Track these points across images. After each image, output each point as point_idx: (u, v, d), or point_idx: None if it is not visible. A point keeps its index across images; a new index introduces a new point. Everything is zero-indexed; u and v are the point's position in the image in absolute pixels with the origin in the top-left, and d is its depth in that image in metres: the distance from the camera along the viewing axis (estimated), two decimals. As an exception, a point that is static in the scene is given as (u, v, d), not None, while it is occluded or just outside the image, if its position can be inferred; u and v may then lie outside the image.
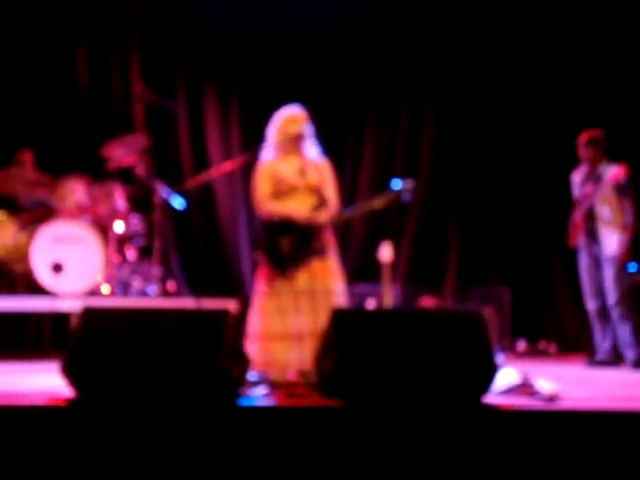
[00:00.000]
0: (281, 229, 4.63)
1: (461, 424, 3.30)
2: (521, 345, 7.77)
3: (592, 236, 6.30)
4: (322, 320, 4.32)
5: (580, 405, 3.77)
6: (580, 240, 6.36)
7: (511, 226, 8.44)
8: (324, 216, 4.68)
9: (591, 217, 6.28)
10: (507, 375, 4.08)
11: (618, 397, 4.21)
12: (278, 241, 4.60)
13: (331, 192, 4.79)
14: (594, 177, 6.31)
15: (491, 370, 3.54)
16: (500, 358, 3.61)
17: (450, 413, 3.35)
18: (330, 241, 4.76)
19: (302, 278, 4.58)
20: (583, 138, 6.40)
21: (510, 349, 7.56)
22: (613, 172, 6.13)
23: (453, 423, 3.29)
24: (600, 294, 6.30)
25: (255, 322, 4.60)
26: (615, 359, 6.23)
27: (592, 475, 3.23)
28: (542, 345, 7.81)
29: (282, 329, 4.53)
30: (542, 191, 8.20)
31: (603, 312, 6.30)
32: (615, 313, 6.19)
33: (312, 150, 4.88)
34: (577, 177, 6.49)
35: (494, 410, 3.46)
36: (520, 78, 8.45)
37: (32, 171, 7.35)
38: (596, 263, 6.31)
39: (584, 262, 6.39)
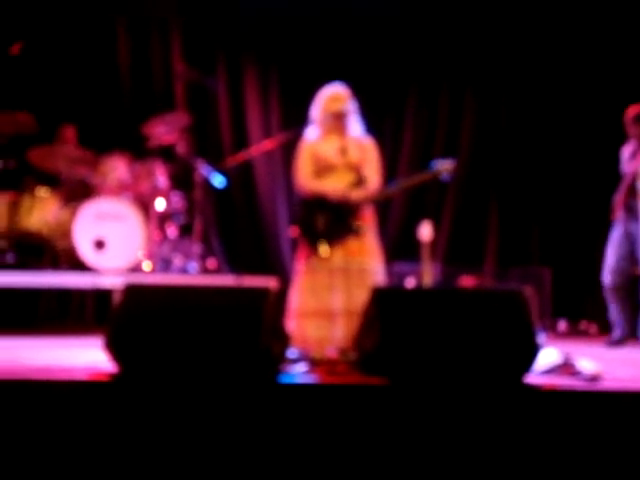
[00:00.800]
0: (317, 206, 4.65)
1: (502, 404, 3.29)
2: (562, 325, 7.72)
3: (630, 212, 6.16)
4: (356, 298, 4.38)
5: (623, 385, 3.74)
6: (619, 215, 6.26)
7: (552, 205, 8.35)
8: (359, 194, 4.67)
9: (632, 193, 6.19)
10: (548, 355, 4.05)
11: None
12: (314, 218, 4.62)
13: (373, 170, 4.77)
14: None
15: (533, 350, 3.51)
16: (541, 338, 3.58)
17: (491, 393, 3.34)
18: (369, 219, 4.75)
19: (338, 256, 4.59)
20: (630, 114, 6.28)
21: (551, 329, 7.51)
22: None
23: (494, 403, 3.28)
24: (622, 271, 6.23)
25: (293, 299, 4.64)
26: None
27: (635, 455, 3.21)
28: (583, 325, 7.75)
29: (315, 306, 4.57)
30: (584, 170, 8.11)
31: (623, 290, 6.23)
32: None
33: (356, 128, 4.86)
34: (626, 152, 6.38)
35: (536, 390, 3.45)
36: (564, 55, 8.34)
37: (75, 147, 7.42)
38: (629, 240, 6.21)
39: (616, 235, 6.27)
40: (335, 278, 4.58)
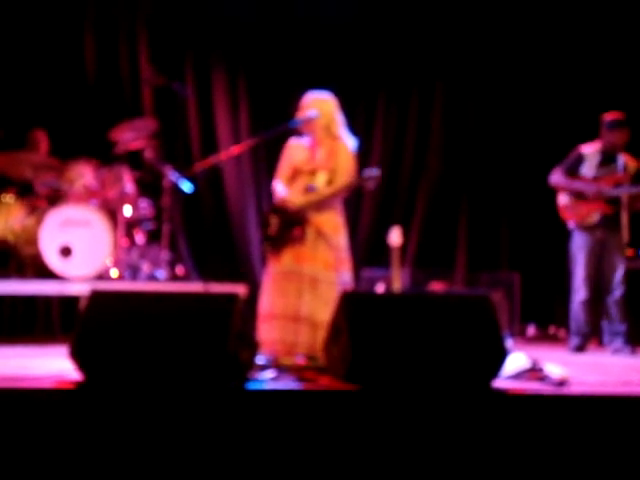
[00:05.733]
0: (273, 210, 4.74)
1: (470, 408, 3.28)
2: (531, 330, 7.75)
3: (609, 222, 6.28)
4: (300, 303, 4.50)
5: (590, 390, 3.75)
6: (593, 221, 6.34)
7: (521, 211, 8.39)
8: (296, 201, 4.69)
9: (614, 203, 6.25)
10: (516, 359, 4.06)
11: (629, 382, 4.18)
12: (269, 221, 4.70)
13: (339, 175, 4.72)
14: (613, 162, 6.29)
15: (500, 354, 3.52)
16: (509, 343, 3.59)
17: (459, 397, 3.34)
18: (333, 228, 4.71)
19: (286, 260, 4.62)
20: (605, 120, 6.29)
21: (520, 334, 7.55)
22: None
23: (462, 407, 3.28)
24: (596, 282, 6.39)
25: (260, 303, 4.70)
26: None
27: (601, 460, 3.22)
28: (552, 330, 7.79)
29: (266, 309, 4.62)
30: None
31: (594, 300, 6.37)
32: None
33: (331, 133, 4.83)
34: (593, 156, 6.37)
35: (503, 394, 3.45)
36: (531, 60, 8.40)
37: (46, 152, 7.36)
38: (602, 249, 6.35)
39: (585, 243, 6.40)
40: (282, 282, 4.60)
